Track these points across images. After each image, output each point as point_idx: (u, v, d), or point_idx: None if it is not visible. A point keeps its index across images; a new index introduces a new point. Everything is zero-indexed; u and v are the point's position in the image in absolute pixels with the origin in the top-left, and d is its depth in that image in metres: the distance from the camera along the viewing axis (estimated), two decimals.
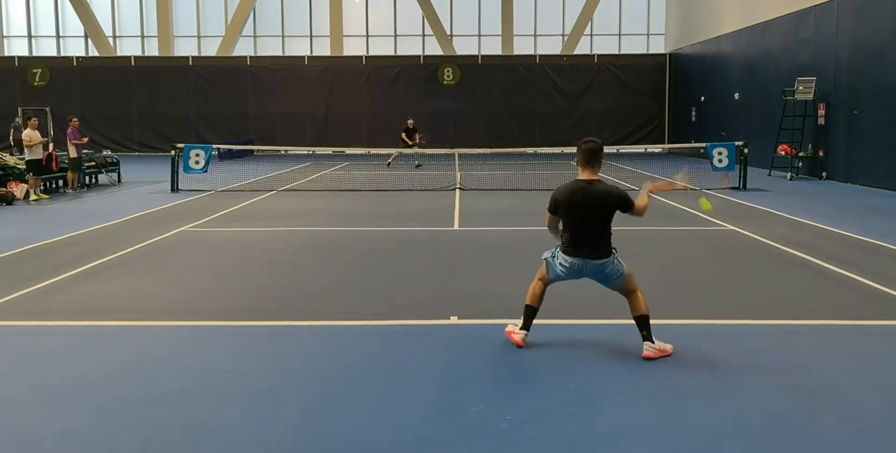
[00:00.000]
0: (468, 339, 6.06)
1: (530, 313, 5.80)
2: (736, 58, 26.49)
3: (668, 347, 5.57)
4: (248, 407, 4.65)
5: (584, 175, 5.56)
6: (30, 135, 16.37)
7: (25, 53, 36.45)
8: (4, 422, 4.46)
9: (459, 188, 17.94)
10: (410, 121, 26.02)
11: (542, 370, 5.32)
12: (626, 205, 5.55)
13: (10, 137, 26.80)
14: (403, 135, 25.63)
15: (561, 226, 5.67)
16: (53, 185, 17.97)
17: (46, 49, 36.87)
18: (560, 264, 5.63)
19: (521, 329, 5.81)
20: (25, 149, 16.43)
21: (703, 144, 19.53)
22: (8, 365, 5.51)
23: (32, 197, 15.93)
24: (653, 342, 5.51)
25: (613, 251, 5.57)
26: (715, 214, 11.21)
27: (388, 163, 26.40)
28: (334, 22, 35.24)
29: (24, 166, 16.36)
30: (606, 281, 5.64)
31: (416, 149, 24.82)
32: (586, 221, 5.50)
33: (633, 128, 34.53)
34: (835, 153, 19.80)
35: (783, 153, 21.00)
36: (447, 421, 4.41)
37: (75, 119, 18.27)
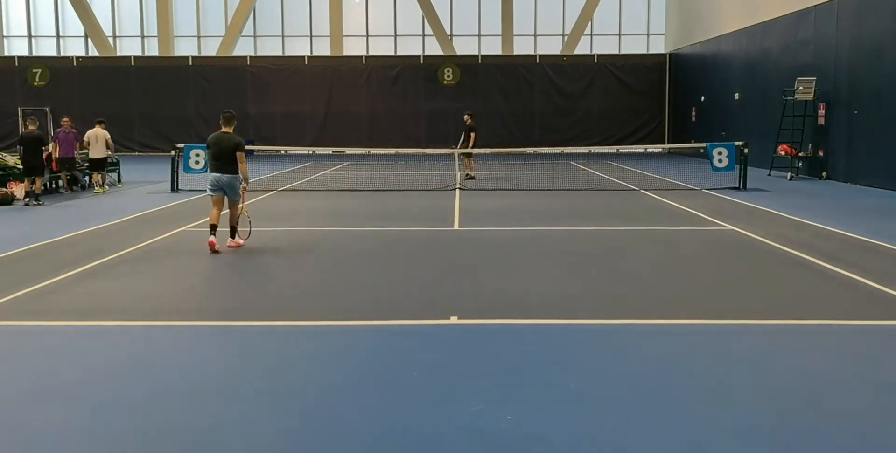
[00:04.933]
0: (468, 339, 6.06)
1: (212, 229, 9.77)
2: (736, 58, 26.48)
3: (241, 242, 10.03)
4: (247, 407, 4.65)
5: (225, 129, 10.16)
6: (99, 133, 18.11)
7: (25, 53, 36.44)
8: (5, 422, 4.46)
9: (459, 188, 17.94)
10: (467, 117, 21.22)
11: (543, 369, 5.32)
12: (239, 148, 10.02)
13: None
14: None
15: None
16: (53, 186, 17.95)
17: (46, 49, 36.86)
18: (211, 181, 10.01)
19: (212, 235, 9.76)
20: (99, 148, 18.02)
21: (703, 144, 19.54)
22: (8, 365, 5.51)
23: (98, 189, 17.90)
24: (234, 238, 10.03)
25: (239, 175, 9.99)
26: None
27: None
28: (334, 22, 35.23)
29: (89, 163, 18.15)
30: (231, 191, 9.99)
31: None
32: (223, 153, 9.99)
33: (633, 128, 34.49)
34: (835, 153, 19.80)
35: (783, 153, 21.00)
36: (447, 421, 4.42)
37: (66, 118, 18.23)
